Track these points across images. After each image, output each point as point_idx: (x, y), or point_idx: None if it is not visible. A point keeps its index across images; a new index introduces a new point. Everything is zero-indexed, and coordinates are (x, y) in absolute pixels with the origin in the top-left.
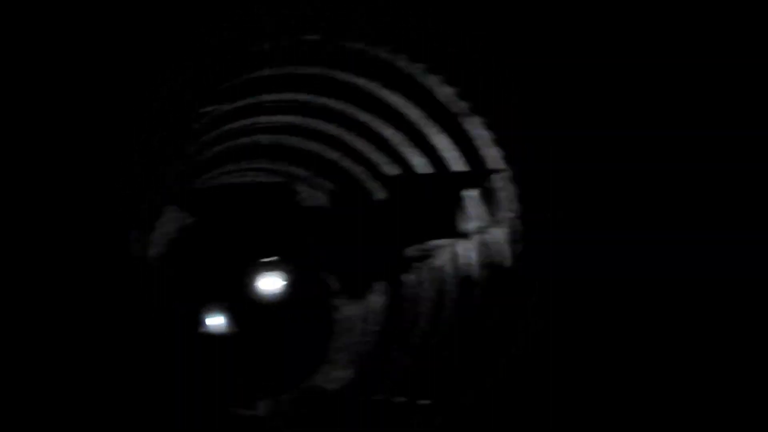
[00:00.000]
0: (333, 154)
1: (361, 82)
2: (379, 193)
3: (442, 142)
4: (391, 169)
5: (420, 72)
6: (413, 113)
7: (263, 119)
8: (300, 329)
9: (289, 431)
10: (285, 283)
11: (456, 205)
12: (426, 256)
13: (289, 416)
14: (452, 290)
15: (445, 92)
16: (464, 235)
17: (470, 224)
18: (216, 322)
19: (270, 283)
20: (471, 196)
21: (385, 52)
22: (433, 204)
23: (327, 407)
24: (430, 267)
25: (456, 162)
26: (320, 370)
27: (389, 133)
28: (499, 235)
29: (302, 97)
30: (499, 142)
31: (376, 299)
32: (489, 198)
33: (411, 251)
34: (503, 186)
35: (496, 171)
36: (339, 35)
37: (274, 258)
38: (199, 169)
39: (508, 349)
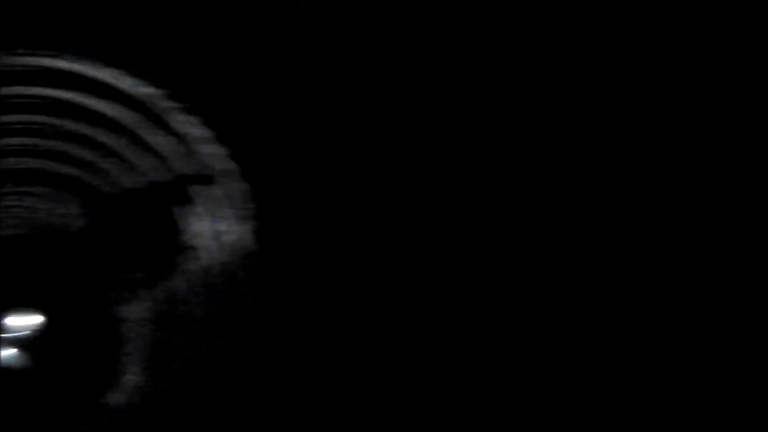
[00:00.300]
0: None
1: (65, 94)
2: (114, 206)
3: (164, 145)
4: (122, 178)
5: (119, 76)
6: (130, 119)
7: None
8: (74, 355)
9: None
10: (42, 317)
11: (188, 207)
12: (173, 260)
13: None
14: (203, 291)
15: (152, 94)
16: (202, 237)
17: (205, 225)
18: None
19: (27, 321)
20: (201, 196)
21: (71, 60)
22: (165, 209)
23: (117, 422)
24: (181, 271)
25: (181, 164)
26: (108, 391)
27: (111, 141)
28: (234, 233)
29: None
30: (220, 139)
31: (140, 307)
32: (220, 197)
33: (157, 259)
34: (231, 184)
35: (220, 171)
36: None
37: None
38: None
39: (266, 348)
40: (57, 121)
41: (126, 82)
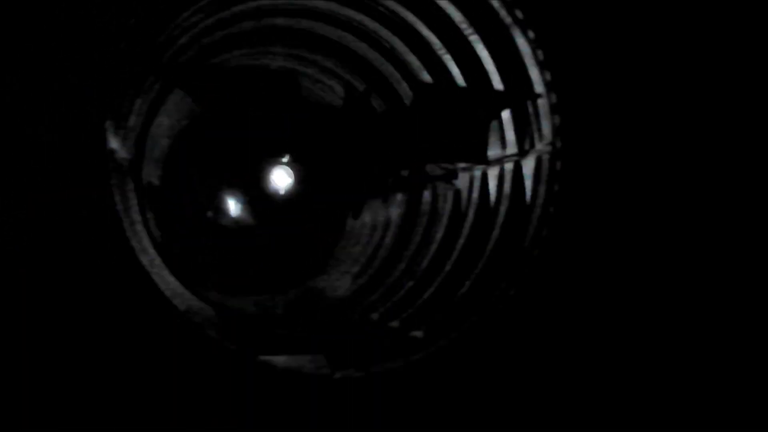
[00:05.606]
0: (360, 46)
1: None
2: (407, 98)
3: (483, 55)
4: (423, 75)
5: None
6: (456, 17)
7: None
8: (308, 229)
9: (281, 330)
10: (295, 179)
11: (486, 125)
12: (446, 176)
13: (283, 316)
14: (467, 218)
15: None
16: (488, 161)
17: (497, 150)
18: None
19: (281, 178)
20: (504, 119)
21: None
22: (462, 119)
23: (320, 315)
24: (449, 189)
25: (494, 79)
26: (321, 276)
27: (428, 35)
28: (525, 167)
29: None
30: (546, 64)
31: (389, 211)
32: (523, 125)
33: (431, 168)
34: (541, 114)
35: (536, 96)
36: None
37: (286, 155)
38: (204, 49)
39: (506, 288)
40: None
41: None
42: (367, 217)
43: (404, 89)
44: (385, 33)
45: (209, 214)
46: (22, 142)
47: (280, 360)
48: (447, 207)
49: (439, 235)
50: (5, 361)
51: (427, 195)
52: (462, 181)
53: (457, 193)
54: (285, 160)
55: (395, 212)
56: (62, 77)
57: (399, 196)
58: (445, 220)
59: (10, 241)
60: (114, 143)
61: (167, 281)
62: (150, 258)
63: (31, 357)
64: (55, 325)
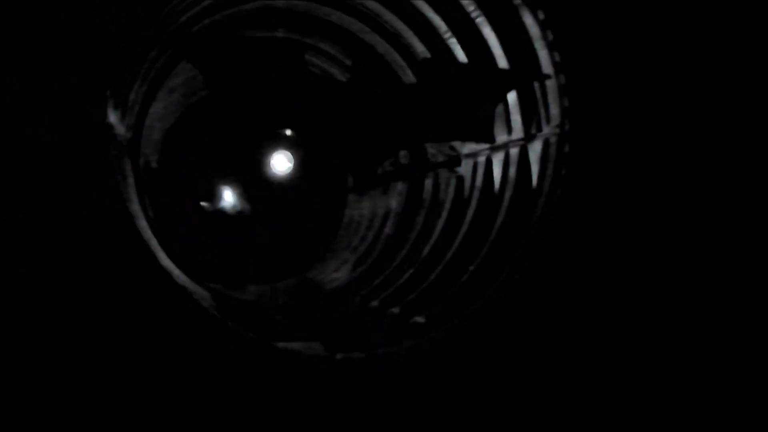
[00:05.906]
0: (360, 27)
1: None
2: (408, 78)
3: (490, 37)
4: (427, 58)
5: None
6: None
7: None
8: (306, 217)
9: (281, 318)
10: (294, 164)
11: (492, 105)
12: (449, 162)
13: (281, 304)
14: (470, 205)
15: None
16: (493, 145)
17: (502, 135)
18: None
19: (280, 162)
20: (510, 102)
21: None
22: (468, 99)
23: (320, 304)
24: (452, 176)
25: (500, 62)
26: (321, 265)
27: (433, 17)
28: (531, 151)
29: None
30: (555, 45)
31: (389, 201)
32: (530, 108)
33: (434, 154)
34: (549, 96)
35: (543, 77)
36: None
37: (288, 132)
38: (211, 24)
39: (510, 273)
40: None
41: None
42: (366, 206)
43: (409, 76)
44: (389, 17)
45: (206, 203)
46: (22, 141)
47: (280, 345)
48: (449, 194)
49: (442, 221)
50: (7, 342)
51: (428, 184)
52: (465, 167)
53: (460, 179)
54: (287, 133)
55: (395, 202)
56: (62, 75)
57: (399, 185)
58: (447, 207)
59: (10, 241)
60: (113, 117)
61: (165, 264)
62: (147, 239)
63: (34, 339)
64: (56, 312)
